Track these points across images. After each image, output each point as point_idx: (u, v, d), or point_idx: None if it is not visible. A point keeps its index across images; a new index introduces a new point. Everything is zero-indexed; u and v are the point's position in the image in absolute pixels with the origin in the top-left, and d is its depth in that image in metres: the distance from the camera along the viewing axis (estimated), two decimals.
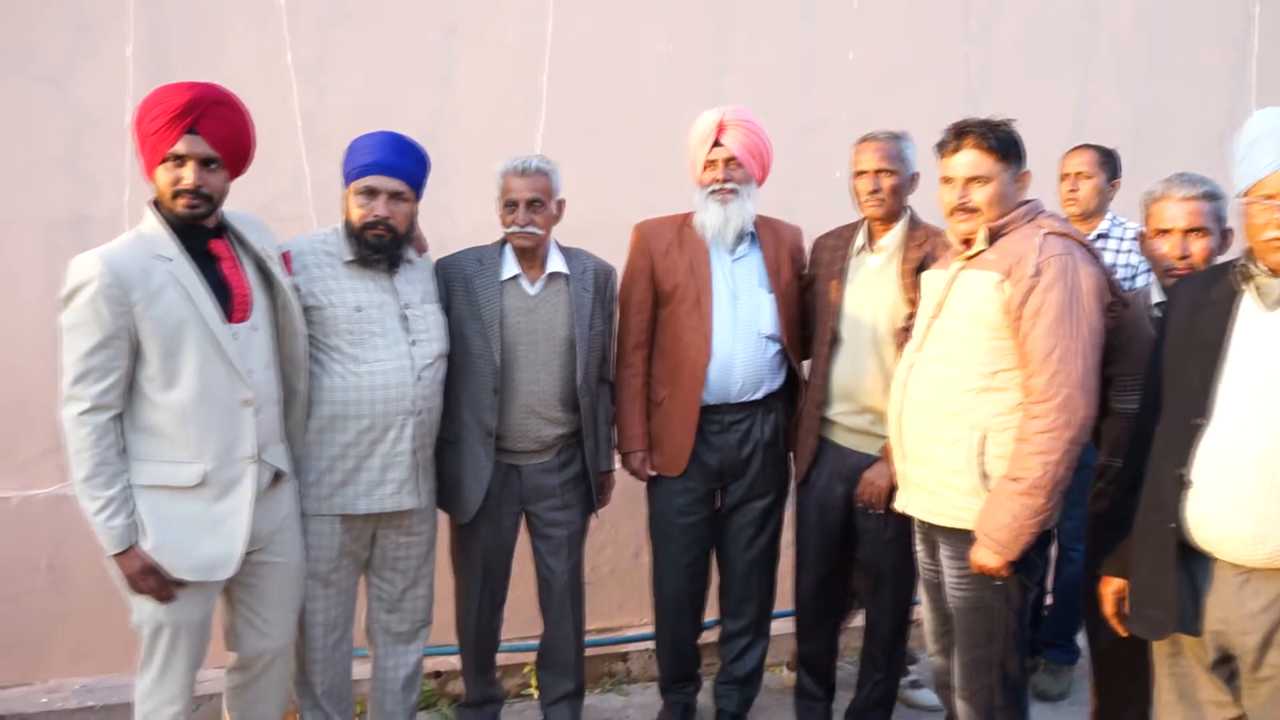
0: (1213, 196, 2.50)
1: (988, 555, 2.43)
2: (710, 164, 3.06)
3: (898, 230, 3.02)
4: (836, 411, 3.06)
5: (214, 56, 3.42)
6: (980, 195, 2.49)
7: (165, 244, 2.38)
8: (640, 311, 3.14)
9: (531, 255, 2.98)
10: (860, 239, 3.08)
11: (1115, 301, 2.47)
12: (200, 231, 2.45)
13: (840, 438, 3.08)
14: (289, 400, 2.64)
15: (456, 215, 3.48)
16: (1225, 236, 2.55)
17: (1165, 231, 2.53)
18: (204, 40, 3.43)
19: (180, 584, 2.39)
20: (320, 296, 2.70)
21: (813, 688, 3.33)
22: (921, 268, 2.86)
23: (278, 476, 2.58)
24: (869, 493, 2.98)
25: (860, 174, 3.00)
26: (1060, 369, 2.34)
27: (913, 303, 2.86)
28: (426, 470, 2.85)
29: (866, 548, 3.10)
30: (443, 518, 3.04)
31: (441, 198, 3.19)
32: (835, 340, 3.05)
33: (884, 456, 2.93)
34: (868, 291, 3.02)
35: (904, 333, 2.84)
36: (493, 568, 3.08)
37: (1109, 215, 3.61)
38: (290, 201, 3.46)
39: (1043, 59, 4.39)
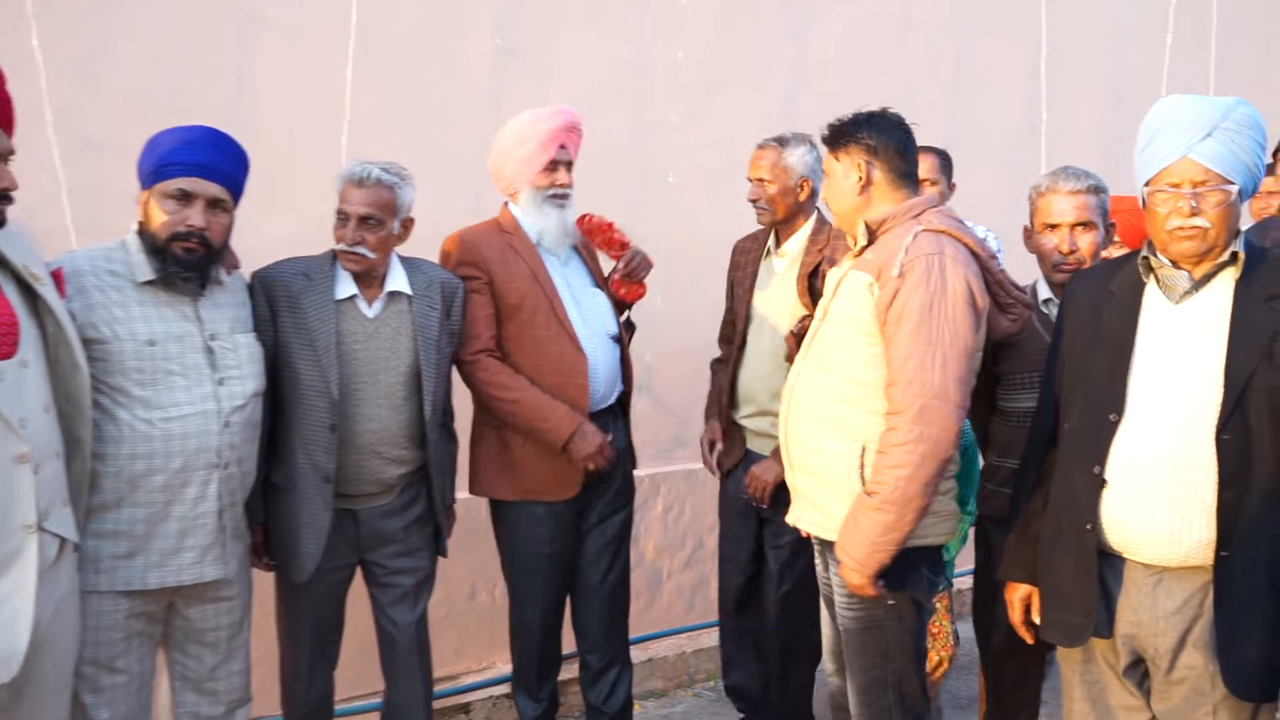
0: (1097, 190, 2.52)
1: (849, 573, 2.27)
2: (554, 166, 2.89)
3: (802, 233, 3.02)
4: (742, 415, 3.08)
5: None
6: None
7: None
8: (490, 327, 2.86)
9: (368, 272, 2.63)
10: (771, 241, 3.08)
11: (1014, 303, 2.39)
12: None
13: (749, 441, 3.09)
14: (70, 452, 2.14)
15: (244, 228, 3.03)
16: (1109, 231, 2.57)
17: (1053, 226, 2.52)
18: None
19: None
20: (103, 328, 2.22)
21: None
22: (818, 270, 2.86)
23: (63, 546, 2.08)
24: (754, 487, 2.96)
25: (749, 180, 3.00)
26: (916, 378, 2.17)
27: (808, 307, 2.85)
28: (236, 532, 2.43)
29: (769, 562, 3.06)
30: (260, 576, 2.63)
31: None
32: (743, 343, 3.06)
33: (774, 454, 2.89)
34: (772, 295, 3.01)
35: (794, 338, 2.81)
36: (325, 626, 2.74)
37: None
38: (43, 212, 2.87)
39: (861, 62, 4.43)
